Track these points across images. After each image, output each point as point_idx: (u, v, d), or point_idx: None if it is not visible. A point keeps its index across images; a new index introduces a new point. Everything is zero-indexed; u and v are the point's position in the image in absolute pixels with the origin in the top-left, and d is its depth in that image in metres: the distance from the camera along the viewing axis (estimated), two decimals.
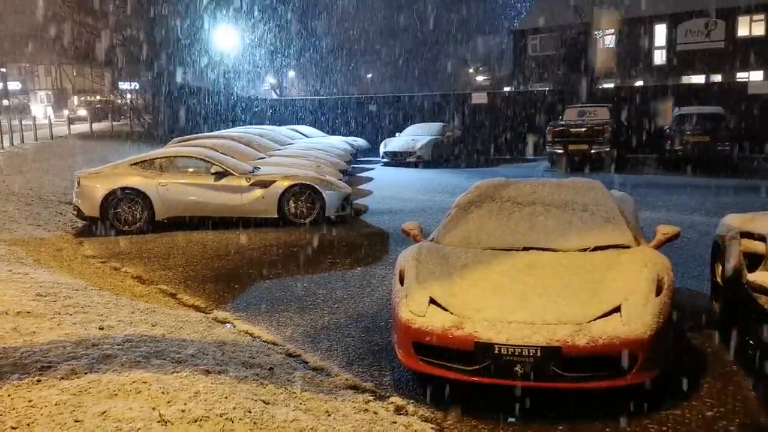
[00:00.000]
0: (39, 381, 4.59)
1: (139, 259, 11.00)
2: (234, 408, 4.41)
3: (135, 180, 13.26)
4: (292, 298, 8.54)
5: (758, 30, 39.79)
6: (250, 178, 13.48)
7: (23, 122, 28.44)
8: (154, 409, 4.24)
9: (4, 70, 76.89)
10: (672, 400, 5.28)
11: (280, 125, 29.34)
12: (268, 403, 4.71)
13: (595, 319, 5.11)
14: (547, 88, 33.87)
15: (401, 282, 5.93)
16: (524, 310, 5.27)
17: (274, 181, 13.43)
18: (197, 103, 34.48)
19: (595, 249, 6.27)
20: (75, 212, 13.65)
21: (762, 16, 39.72)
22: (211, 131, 26.10)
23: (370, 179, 21.58)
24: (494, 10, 77.73)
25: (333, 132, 30.77)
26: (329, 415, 4.75)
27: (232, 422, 4.22)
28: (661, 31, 43.04)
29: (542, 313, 5.20)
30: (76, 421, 4.00)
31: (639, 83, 40.22)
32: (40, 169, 19.54)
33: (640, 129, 25.69)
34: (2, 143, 23.72)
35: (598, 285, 5.49)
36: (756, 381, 5.60)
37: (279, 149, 20.41)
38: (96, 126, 33.26)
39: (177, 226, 13.26)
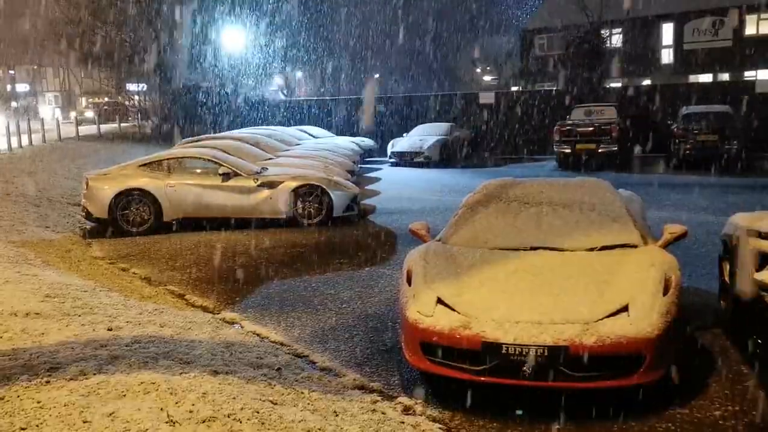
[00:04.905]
0: (48, 382, 4.62)
1: (147, 260, 11.03)
2: (242, 408, 4.42)
3: (143, 181, 13.30)
4: (299, 298, 8.55)
5: (765, 28, 39.64)
6: (257, 179, 13.50)
7: (31, 124, 28.50)
8: (162, 409, 4.25)
9: (12, 72, 77.20)
10: (680, 400, 5.27)
11: (288, 126, 29.38)
12: (276, 404, 4.71)
13: (602, 319, 5.11)
14: (554, 88, 33.81)
15: (409, 282, 5.94)
16: (532, 309, 5.27)
17: (282, 182, 13.45)
18: (205, 104, 34.52)
19: (603, 248, 6.26)
20: (83, 213, 13.71)
21: None
22: (219, 132, 26.13)
23: (377, 179, 21.58)
24: (502, 10, 77.65)
25: (341, 132, 30.77)
26: (337, 416, 4.76)
27: (240, 423, 4.23)
28: (668, 30, 42.94)
29: (550, 313, 5.20)
30: (84, 422, 4.02)
31: (646, 82, 40.14)
32: (48, 170, 19.59)
33: (647, 128, 25.61)
34: (10, 145, 23.80)
35: (606, 284, 5.49)
36: (764, 380, 5.59)
37: (287, 150, 20.41)
38: (104, 127, 33.33)
39: (185, 227, 13.29)
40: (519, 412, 5.14)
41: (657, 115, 25.83)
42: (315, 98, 40.74)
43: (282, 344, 6.84)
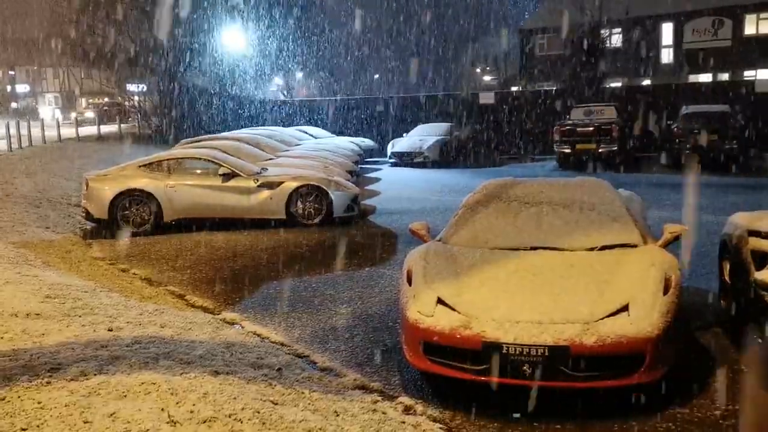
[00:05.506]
0: (48, 383, 4.62)
1: (147, 261, 11.03)
2: (242, 408, 4.42)
3: (143, 182, 13.29)
4: (300, 298, 8.55)
5: (765, 28, 39.67)
6: (258, 180, 13.50)
7: (31, 124, 28.49)
8: (163, 410, 4.26)
9: (12, 72, 77.21)
10: (680, 399, 5.27)
11: (288, 126, 29.40)
12: (276, 404, 4.72)
13: (602, 318, 5.11)
14: (554, 88, 33.81)
15: (409, 282, 5.94)
16: (532, 309, 5.27)
17: (282, 183, 13.44)
18: (205, 104, 34.51)
19: (603, 248, 6.26)
20: (83, 214, 13.70)
21: None
22: (219, 132, 26.13)
23: (377, 180, 21.59)
24: (501, 10, 77.65)
25: (341, 133, 30.78)
26: (338, 416, 4.76)
27: (241, 423, 4.23)
28: (667, 30, 42.96)
29: (550, 313, 5.20)
30: (85, 422, 4.02)
31: (646, 82, 40.14)
32: (48, 171, 19.59)
33: (647, 128, 25.61)
34: (11, 146, 23.80)
35: (606, 284, 5.49)
36: (764, 379, 5.59)
37: (286, 150, 20.41)
38: (104, 128, 33.30)
39: (185, 228, 13.28)
40: (516, 415, 5.13)
41: (656, 114, 25.77)
42: (317, 98, 40.71)
43: (282, 344, 6.84)
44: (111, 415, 4.11)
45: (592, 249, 6.27)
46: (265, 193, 13.39)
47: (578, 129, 22.90)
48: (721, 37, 40.86)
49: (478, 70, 77.36)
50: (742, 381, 5.61)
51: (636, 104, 26.62)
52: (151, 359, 5.32)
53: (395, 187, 19.49)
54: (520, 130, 29.25)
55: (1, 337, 5.74)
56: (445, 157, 26.15)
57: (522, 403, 5.17)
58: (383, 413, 5.02)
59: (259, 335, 7.14)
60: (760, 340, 6.31)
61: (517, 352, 5.02)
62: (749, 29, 40.29)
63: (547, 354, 4.98)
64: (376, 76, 76.53)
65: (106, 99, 51.04)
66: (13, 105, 68.10)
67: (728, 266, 7.22)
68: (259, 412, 4.42)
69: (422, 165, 25.48)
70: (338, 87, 59.32)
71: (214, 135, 22.53)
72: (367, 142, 28.08)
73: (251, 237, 12.60)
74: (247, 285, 9.35)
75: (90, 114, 47.41)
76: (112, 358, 5.23)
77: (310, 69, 52.90)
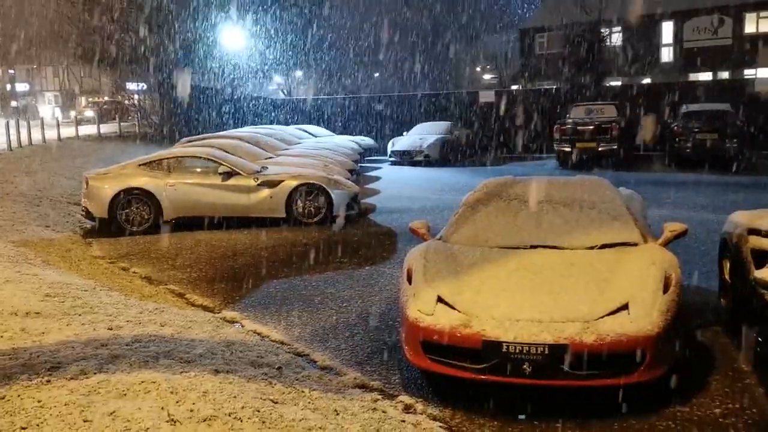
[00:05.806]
0: (48, 381, 4.62)
1: (147, 260, 11.02)
2: (242, 407, 4.42)
3: (143, 180, 13.29)
4: (300, 297, 8.55)
5: (765, 27, 39.64)
6: (258, 178, 13.49)
7: (31, 123, 28.45)
8: (162, 408, 4.25)
9: (12, 71, 77.15)
10: (680, 398, 5.27)
11: (287, 125, 29.40)
12: (276, 402, 4.72)
13: (602, 317, 5.11)
14: (554, 87, 33.80)
15: (409, 281, 5.94)
16: (532, 308, 5.27)
17: (282, 181, 13.44)
18: (205, 103, 34.48)
19: (603, 247, 6.26)
20: (83, 213, 13.70)
21: None
22: (219, 131, 26.12)
23: (377, 178, 21.59)
24: (502, 9, 77.63)
25: (341, 131, 30.78)
26: (338, 414, 4.76)
27: (241, 421, 4.23)
28: (668, 29, 42.93)
29: (550, 311, 5.20)
30: (85, 421, 4.02)
31: (646, 81, 40.12)
32: (48, 170, 19.58)
33: (648, 126, 25.57)
34: (10, 144, 23.78)
35: (606, 283, 5.49)
36: (764, 378, 5.59)
37: (286, 149, 20.41)
38: (103, 127, 33.26)
39: (185, 226, 13.28)
40: (522, 416, 5.12)
41: (657, 113, 25.74)
42: (317, 97, 40.70)
43: (282, 343, 6.84)
44: (111, 413, 4.11)
45: (592, 247, 6.26)
46: (265, 192, 13.39)
47: (578, 128, 22.86)
48: (721, 35, 40.83)
49: (479, 68, 77.27)
50: (742, 379, 5.61)
51: (636, 103, 26.59)
52: (151, 358, 5.32)
53: (395, 185, 19.49)
54: (521, 128, 29.20)
55: (1, 336, 5.74)
56: (445, 155, 26.13)
57: (522, 401, 5.18)
58: (383, 412, 5.01)
59: (259, 334, 7.14)
60: (759, 339, 6.31)
61: (517, 351, 5.02)
62: (749, 28, 40.26)
63: (547, 352, 4.97)
64: (377, 74, 76.47)
65: (105, 98, 51.02)
66: (13, 104, 68.07)
67: (728, 265, 7.22)
68: (259, 411, 4.42)
69: (422, 164, 25.47)
70: (338, 86, 59.27)
71: (214, 134, 22.53)
72: (367, 141, 28.09)
73: (251, 235, 12.59)
74: (246, 284, 9.34)
75: (90, 113, 47.37)
76: (112, 357, 5.23)
77: (311, 68, 52.86)
